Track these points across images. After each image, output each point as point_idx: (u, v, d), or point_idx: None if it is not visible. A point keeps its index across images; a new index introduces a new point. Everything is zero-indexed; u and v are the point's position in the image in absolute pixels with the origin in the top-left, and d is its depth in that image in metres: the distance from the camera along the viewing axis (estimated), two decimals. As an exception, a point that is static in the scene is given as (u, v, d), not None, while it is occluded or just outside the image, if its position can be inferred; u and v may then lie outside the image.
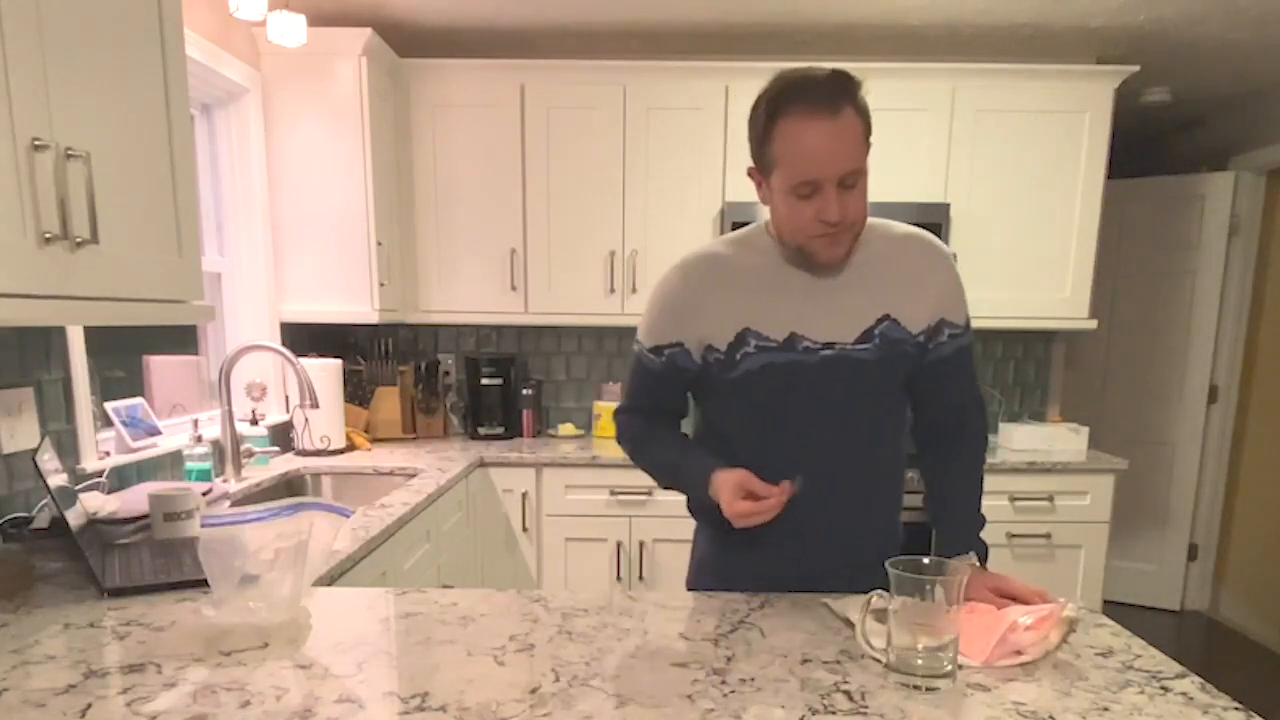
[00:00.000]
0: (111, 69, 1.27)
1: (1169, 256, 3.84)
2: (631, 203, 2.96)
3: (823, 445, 1.27)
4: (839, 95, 1.12)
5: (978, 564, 1.30)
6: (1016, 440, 3.01)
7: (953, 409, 1.37)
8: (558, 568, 2.89)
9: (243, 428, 2.41)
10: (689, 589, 1.43)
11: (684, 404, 1.42)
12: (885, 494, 1.38)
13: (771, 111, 1.15)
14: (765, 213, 1.27)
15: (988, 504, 1.35)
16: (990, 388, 3.32)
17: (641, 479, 2.81)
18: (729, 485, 1.21)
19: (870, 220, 1.25)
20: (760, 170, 1.22)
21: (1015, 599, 1.20)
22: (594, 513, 2.84)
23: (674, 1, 2.66)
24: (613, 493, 2.82)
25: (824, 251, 1.21)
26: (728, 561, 1.39)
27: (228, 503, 2.06)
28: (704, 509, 1.33)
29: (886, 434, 1.34)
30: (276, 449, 2.59)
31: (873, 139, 1.18)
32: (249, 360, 2.49)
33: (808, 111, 1.12)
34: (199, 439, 2.17)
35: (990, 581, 1.23)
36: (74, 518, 1.40)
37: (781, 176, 1.17)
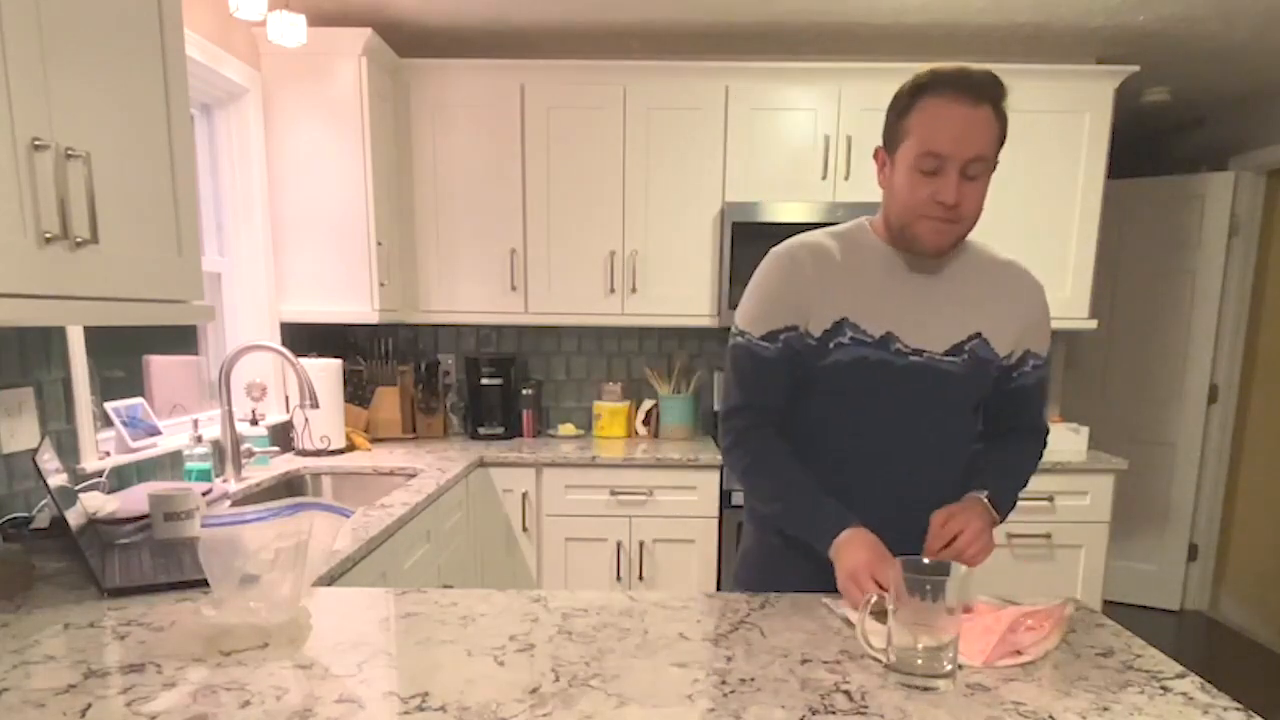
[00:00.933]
0: (111, 69, 1.27)
1: (1169, 256, 3.84)
2: (631, 203, 2.96)
3: (894, 451, 1.27)
4: (984, 92, 1.16)
5: (985, 500, 1.27)
6: (1016, 440, 3.01)
7: (1018, 432, 1.40)
8: (558, 568, 2.89)
9: (243, 428, 2.41)
10: (737, 588, 1.41)
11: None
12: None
13: (917, 89, 1.19)
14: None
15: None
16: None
17: (640, 479, 2.78)
18: (861, 562, 1.17)
19: (973, 239, 1.28)
20: (888, 146, 1.24)
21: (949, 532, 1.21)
22: (594, 513, 2.84)
23: (674, 1, 2.66)
24: (613, 493, 2.82)
25: (929, 236, 1.22)
26: (781, 562, 1.37)
27: (228, 503, 2.06)
28: (772, 524, 1.32)
29: (958, 449, 1.34)
30: (276, 449, 2.59)
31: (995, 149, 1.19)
32: (249, 360, 2.49)
33: (952, 95, 1.16)
34: (199, 439, 2.17)
35: (954, 512, 1.23)
36: (74, 518, 1.40)
37: (910, 147, 1.19)
